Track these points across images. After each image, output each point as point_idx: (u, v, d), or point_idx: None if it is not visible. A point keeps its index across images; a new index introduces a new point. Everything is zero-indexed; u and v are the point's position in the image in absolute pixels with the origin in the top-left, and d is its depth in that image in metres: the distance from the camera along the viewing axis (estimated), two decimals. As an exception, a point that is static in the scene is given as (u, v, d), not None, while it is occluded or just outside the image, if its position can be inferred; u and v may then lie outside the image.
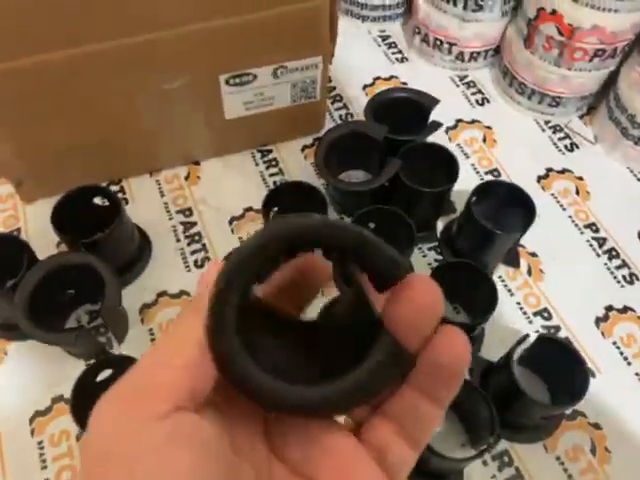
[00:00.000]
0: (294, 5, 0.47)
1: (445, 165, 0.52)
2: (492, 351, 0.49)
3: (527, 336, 0.43)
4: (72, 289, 0.49)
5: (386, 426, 0.19)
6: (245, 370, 0.17)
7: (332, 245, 0.18)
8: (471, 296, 0.49)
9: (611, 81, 0.61)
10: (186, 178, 0.59)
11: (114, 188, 0.57)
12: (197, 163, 0.60)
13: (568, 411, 0.46)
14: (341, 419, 0.20)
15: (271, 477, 0.19)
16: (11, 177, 0.53)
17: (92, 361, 0.47)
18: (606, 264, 0.55)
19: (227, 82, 0.51)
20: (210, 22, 0.46)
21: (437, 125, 0.54)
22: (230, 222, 0.55)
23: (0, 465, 0.43)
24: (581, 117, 0.65)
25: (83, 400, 0.41)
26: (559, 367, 0.44)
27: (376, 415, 0.19)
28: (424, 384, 0.18)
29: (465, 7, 0.61)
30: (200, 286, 0.19)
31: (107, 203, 0.50)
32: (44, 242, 0.53)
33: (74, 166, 0.54)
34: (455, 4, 0.61)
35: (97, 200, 0.50)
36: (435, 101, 0.55)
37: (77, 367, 0.47)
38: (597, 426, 0.46)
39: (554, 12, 0.55)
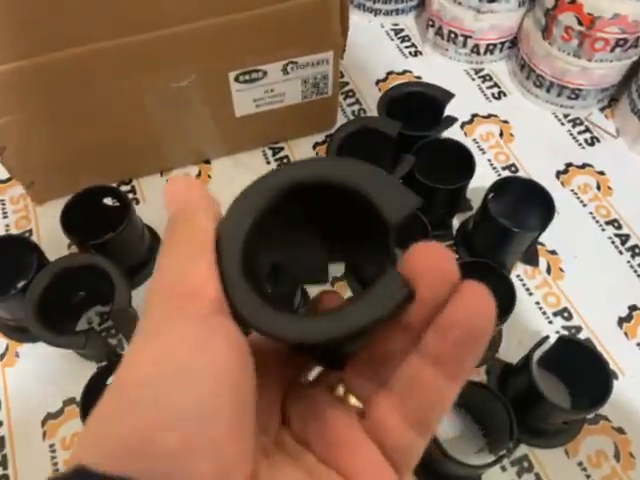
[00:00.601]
0: (304, -1, 0.46)
1: (461, 161, 0.50)
2: (510, 352, 0.48)
3: (547, 337, 0.42)
4: (82, 291, 0.49)
5: (387, 400, 0.17)
6: (254, 314, 0.17)
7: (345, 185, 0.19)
8: (488, 296, 0.47)
9: (633, 72, 0.59)
10: (197, 177, 0.58)
11: (124, 188, 0.57)
12: (208, 162, 0.59)
13: (590, 415, 0.45)
14: (354, 401, 0.18)
15: (277, 435, 0.19)
16: (22, 178, 0.52)
17: (103, 363, 0.47)
18: (629, 262, 0.53)
19: (237, 79, 0.50)
20: (218, 18, 0.45)
21: (452, 120, 0.52)
22: (241, 221, 0.55)
23: (12, 469, 0.43)
24: (602, 110, 0.63)
25: (94, 403, 0.40)
26: (581, 369, 0.43)
27: (381, 389, 0.18)
28: (434, 349, 0.16)
29: (480, -2, 0.59)
30: (170, 205, 0.19)
31: (117, 203, 0.50)
32: (55, 243, 0.52)
33: (84, 167, 0.53)
34: (470, -5, 0.59)
35: (107, 200, 0.50)
36: (450, 95, 0.54)
37: (88, 369, 0.46)
38: (621, 430, 0.45)
39: (573, 1, 0.53)
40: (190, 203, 0.19)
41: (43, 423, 0.45)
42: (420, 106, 0.54)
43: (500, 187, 0.49)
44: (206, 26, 0.45)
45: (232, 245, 0.18)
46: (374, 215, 0.18)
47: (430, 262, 0.16)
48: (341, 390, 0.19)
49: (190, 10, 0.44)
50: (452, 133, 0.55)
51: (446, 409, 0.16)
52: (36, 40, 0.42)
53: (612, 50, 0.55)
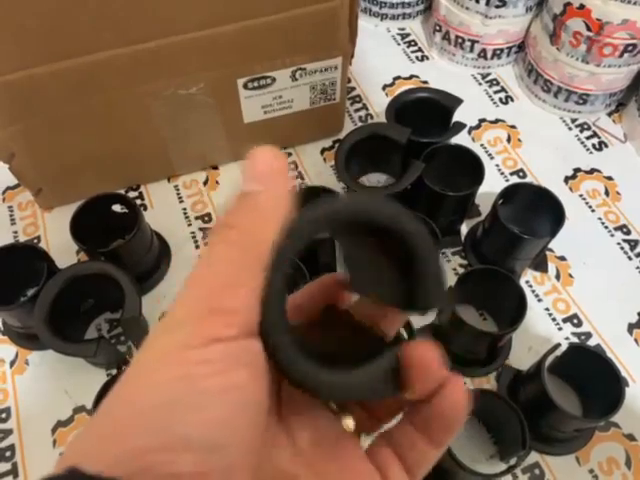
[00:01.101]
0: (312, 6, 0.46)
1: (469, 167, 0.50)
2: (520, 359, 0.48)
3: (558, 345, 0.42)
4: (92, 298, 0.49)
5: (390, 453, 0.20)
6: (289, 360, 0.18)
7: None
8: (498, 303, 0.47)
9: (641, 77, 0.59)
10: (205, 183, 0.58)
11: (133, 194, 0.57)
12: (216, 168, 0.59)
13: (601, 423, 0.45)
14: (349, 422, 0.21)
15: (274, 446, 0.20)
16: (30, 186, 0.53)
17: (113, 370, 0.47)
18: (638, 267, 0.53)
19: (245, 86, 0.50)
20: (227, 26, 0.45)
21: (461, 126, 0.52)
22: (249, 228, 0.55)
23: (22, 476, 0.43)
24: (610, 114, 0.63)
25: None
26: (592, 377, 0.43)
27: (381, 439, 0.21)
28: (424, 425, 0.20)
29: (488, 3, 0.59)
30: (249, 183, 0.18)
31: (126, 210, 0.50)
32: (64, 249, 0.52)
33: (92, 173, 0.53)
34: (477, 1, 0.59)
35: (116, 207, 0.50)
36: (458, 101, 0.54)
37: (98, 376, 0.47)
38: (632, 437, 0.45)
39: (582, 7, 0.53)
40: (268, 196, 0.17)
41: (53, 431, 0.45)
42: (428, 112, 0.54)
43: (510, 194, 0.49)
44: (215, 34, 0.45)
45: (280, 274, 0.17)
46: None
47: (422, 362, 0.19)
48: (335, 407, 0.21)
49: (199, 18, 0.44)
50: (460, 138, 0.55)
51: (430, 465, 0.21)
52: (45, 49, 0.42)
53: (620, 55, 0.55)
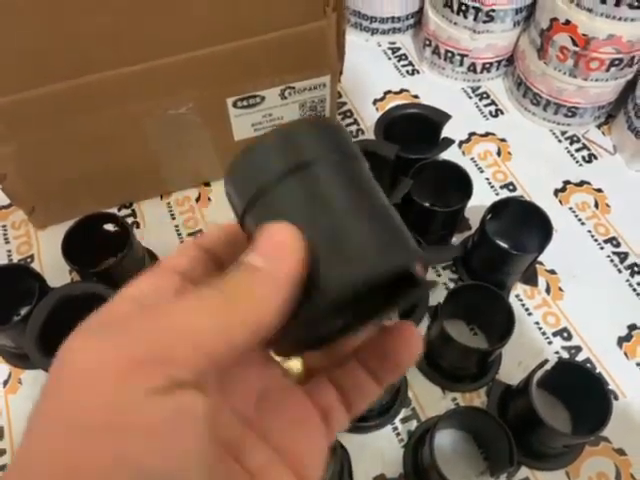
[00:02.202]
0: (300, 27, 0.46)
1: (458, 183, 0.50)
2: (510, 373, 0.48)
3: (546, 361, 0.42)
4: (84, 317, 0.49)
5: (333, 393, 0.22)
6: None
7: None
8: (488, 318, 0.48)
9: (629, 89, 0.59)
10: (197, 200, 0.58)
11: (125, 212, 0.57)
12: (208, 184, 0.59)
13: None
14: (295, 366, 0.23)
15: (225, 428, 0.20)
16: (23, 205, 0.53)
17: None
18: (628, 280, 0.53)
19: (235, 105, 0.51)
20: (216, 47, 0.45)
21: (449, 142, 0.53)
22: (241, 244, 0.55)
23: (15, 497, 0.43)
24: (599, 126, 0.64)
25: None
26: (580, 392, 0.43)
27: (323, 380, 0.22)
28: (373, 365, 0.21)
29: (476, 19, 0.59)
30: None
31: (117, 229, 0.50)
32: (57, 267, 0.53)
33: (85, 192, 0.54)
34: (466, 16, 0.60)
35: (108, 226, 0.50)
36: (446, 117, 0.54)
37: (90, 395, 0.47)
38: (622, 452, 0.45)
39: (568, 22, 0.54)
40: (267, 278, 0.17)
41: (46, 451, 0.45)
42: (417, 127, 0.54)
43: (498, 209, 0.49)
44: (204, 55, 0.45)
45: None
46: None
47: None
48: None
49: (188, 40, 0.44)
50: (450, 152, 0.55)
51: (371, 401, 0.22)
52: (37, 72, 0.42)
53: (607, 69, 0.56)
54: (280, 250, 0.17)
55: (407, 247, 0.19)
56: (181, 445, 0.15)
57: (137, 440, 0.15)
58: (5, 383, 0.48)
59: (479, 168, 0.61)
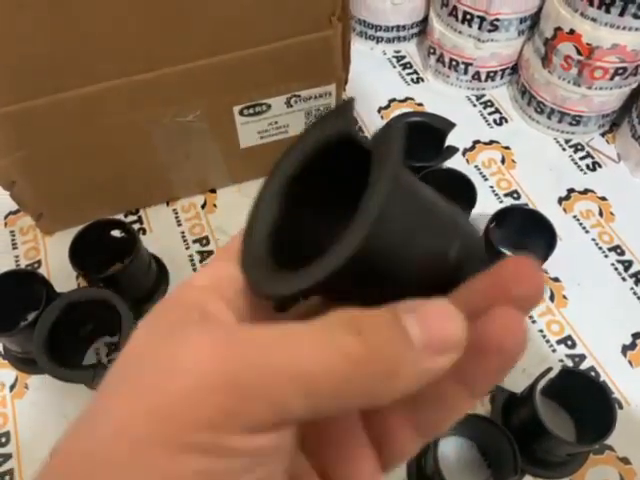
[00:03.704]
0: (306, 36, 0.47)
1: (463, 191, 0.51)
2: (514, 381, 0.48)
3: (550, 370, 0.42)
4: (90, 322, 0.49)
5: (397, 417, 0.17)
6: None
7: None
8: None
9: (634, 98, 0.59)
10: (203, 207, 0.59)
11: (131, 218, 0.58)
12: (213, 191, 0.60)
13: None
14: None
15: None
16: (31, 211, 0.54)
17: (111, 394, 0.48)
18: (632, 288, 0.53)
19: (241, 113, 0.51)
20: (222, 56, 0.46)
21: (454, 150, 0.53)
22: (246, 250, 0.55)
23: (21, 501, 0.43)
24: (603, 135, 0.64)
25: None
26: (584, 400, 0.43)
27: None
28: (468, 374, 0.16)
29: (480, 27, 0.60)
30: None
31: (125, 235, 0.50)
32: (64, 273, 0.53)
33: (93, 199, 0.54)
34: (470, 25, 0.60)
35: (115, 232, 0.51)
36: (451, 125, 0.54)
37: (96, 400, 0.47)
38: (626, 460, 0.45)
39: (572, 32, 0.54)
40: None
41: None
42: (421, 135, 0.55)
43: (502, 217, 0.49)
44: (211, 64, 0.46)
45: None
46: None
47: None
48: None
49: (195, 49, 0.45)
50: (454, 160, 0.55)
51: (463, 415, 0.16)
52: (45, 81, 0.43)
53: (612, 78, 0.56)
54: (443, 349, 0.14)
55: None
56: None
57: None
58: (12, 388, 0.48)
59: (483, 176, 0.61)
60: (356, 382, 0.13)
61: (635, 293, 0.53)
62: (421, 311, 0.14)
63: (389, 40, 0.71)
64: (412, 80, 0.69)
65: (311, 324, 0.14)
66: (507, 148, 0.63)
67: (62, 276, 0.53)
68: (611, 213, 0.58)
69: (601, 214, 0.58)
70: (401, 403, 0.15)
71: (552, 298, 0.53)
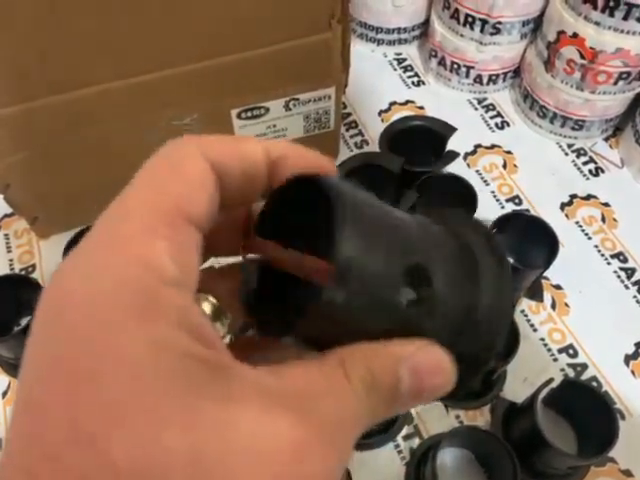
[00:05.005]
0: (305, 39, 0.46)
1: (463, 197, 0.50)
2: (515, 390, 0.47)
3: (551, 380, 0.41)
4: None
5: None
6: None
7: None
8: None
9: (637, 102, 0.59)
10: (200, 210, 0.58)
11: (128, 222, 0.57)
12: (211, 194, 0.59)
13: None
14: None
15: None
16: (25, 215, 0.53)
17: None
18: (635, 297, 0.52)
19: (239, 116, 0.51)
20: (220, 58, 0.45)
21: (454, 155, 0.52)
22: (244, 255, 0.55)
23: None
24: (606, 139, 0.63)
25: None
26: (586, 411, 0.42)
27: None
28: None
29: (482, 30, 0.59)
30: None
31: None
32: (59, 278, 0.53)
33: (88, 202, 0.53)
34: (472, 28, 0.59)
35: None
36: (452, 129, 0.54)
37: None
38: (628, 473, 0.44)
39: (575, 35, 0.53)
40: None
41: (44, 464, 0.44)
42: (422, 140, 0.54)
43: (503, 223, 0.49)
44: (209, 66, 0.45)
45: None
46: None
47: None
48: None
49: (193, 51, 0.44)
50: (455, 165, 0.55)
51: None
52: (40, 83, 0.42)
53: (615, 83, 0.55)
54: (431, 392, 0.16)
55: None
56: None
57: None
58: (4, 394, 0.48)
59: (484, 181, 0.60)
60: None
61: (638, 301, 0.52)
62: (413, 362, 0.16)
63: (390, 42, 0.70)
64: (413, 83, 0.68)
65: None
66: (509, 152, 0.62)
67: (57, 280, 0.53)
68: (614, 219, 0.57)
69: (604, 220, 0.57)
70: None
71: (554, 306, 0.52)
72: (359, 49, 0.69)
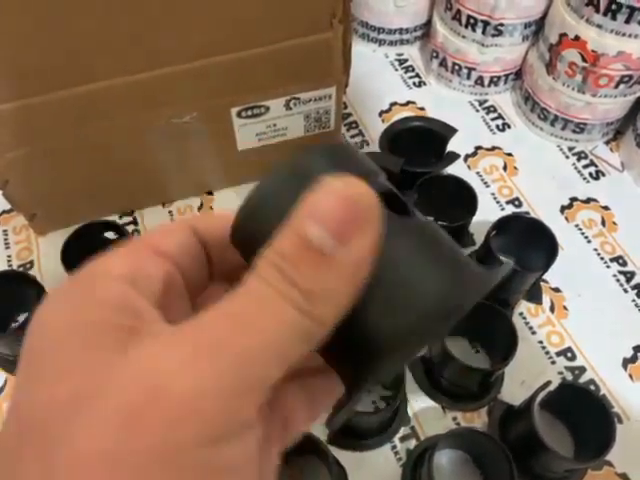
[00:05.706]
0: (306, 38, 0.46)
1: (463, 198, 0.50)
2: (512, 393, 0.47)
3: (548, 383, 0.41)
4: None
5: (298, 396, 0.18)
6: None
7: None
8: (491, 336, 0.47)
9: (638, 106, 0.59)
10: (199, 209, 0.58)
11: (126, 219, 0.57)
12: (210, 193, 0.59)
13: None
14: None
15: None
16: (24, 211, 0.53)
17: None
18: (634, 300, 0.52)
19: (239, 115, 0.50)
20: (221, 57, 0.45)
21: (455, 156, 0.52)
22: (242, 254, 0.55)
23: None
24: (607, 143, 0.63)
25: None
26: (584, 415, 0.42)
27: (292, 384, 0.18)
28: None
29: (484, 32, 0.59)
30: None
31: (118, 237, 0.50)
32: (56, 274, 0.52)
33: (87, 199, 0.53)
34: (474, 29, 0.59)
35: (108, 234, 0.50)
36: (453, 130, 0.54)
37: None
38: (625, 477, 0.44)
39: (577, 38, 0.53)
40: (347, 261, 0.14)
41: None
42: (423, 141, 0.54)
43: (502, 225, 0.48)
44: (209, 64, 0.45)
45: None
46: None
47: None
48: None
49: (194, 49, 0.44)
50: (455, 166, 0.55)
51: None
52: (40, 79, 0.42)
53: (616, 86, 0.55)
54: (358, 223, 0.13)
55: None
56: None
57: None
58: (1, 390, 0.48)
59: (485, 182, 0.60)
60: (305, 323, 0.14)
61: (637, 305, 0.52)
62: (316, 208, 0.14)
63: (391, 43, 0.70)
64: (414, 84, 0.68)
65: (246, 302, 0.14)
66: (509, 155, 0.62)
67: (54, 278, 0.52)
68: (614, 223, 0.57)
69: (604, 224, 0.57)
70: (298, 386, 0.18)
71: (552, 309, 0.52)
72: (360, 49, 0.69)
